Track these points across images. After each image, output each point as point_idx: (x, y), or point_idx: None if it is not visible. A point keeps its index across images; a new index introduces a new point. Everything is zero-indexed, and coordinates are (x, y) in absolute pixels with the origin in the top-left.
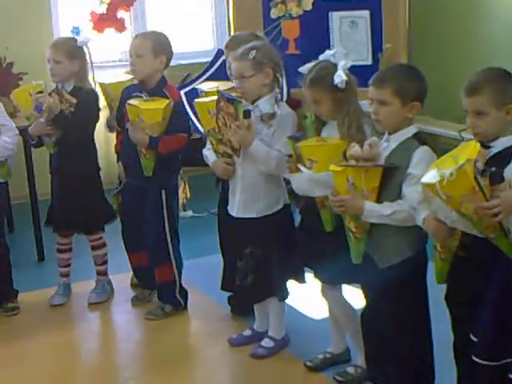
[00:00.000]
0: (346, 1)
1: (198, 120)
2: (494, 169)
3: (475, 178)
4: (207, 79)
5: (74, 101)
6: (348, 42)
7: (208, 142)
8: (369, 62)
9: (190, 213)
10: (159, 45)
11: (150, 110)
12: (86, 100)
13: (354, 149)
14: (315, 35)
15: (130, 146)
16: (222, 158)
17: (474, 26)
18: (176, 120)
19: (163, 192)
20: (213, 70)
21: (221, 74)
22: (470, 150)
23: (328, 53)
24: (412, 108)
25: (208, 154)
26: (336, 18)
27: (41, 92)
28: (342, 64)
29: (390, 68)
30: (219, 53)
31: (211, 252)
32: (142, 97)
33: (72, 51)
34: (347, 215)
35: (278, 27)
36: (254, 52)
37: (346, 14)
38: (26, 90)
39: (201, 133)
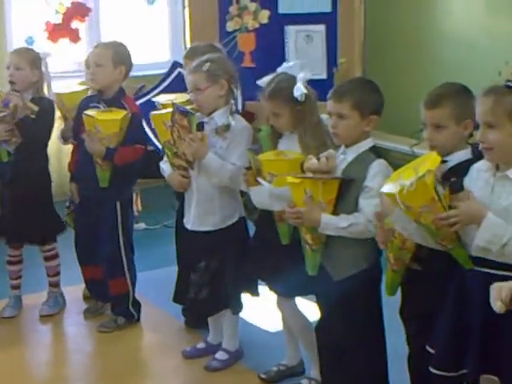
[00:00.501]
0: (302, 15)
1: (153, 132)
2: (453, 179)
3: (435, 188)
4: (162, 91)
5: (36, 108)
6: (303, 56)
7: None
8: (324, 76)
9: (142, 225)
10: (119, 55)
11: (106, 121)
12: (47, 109)
13: (311, 161)
14: (271, 49)
15: (87, 157)
16: (177, 170)
17: (426, 43)
18: (133, 131)
19: (118, 204)
20: (168, 81)
21: (176, 86)
22: (430, 162)
23: (286, 65)
24: (370, 121)
25: (164, 166)
26: (292, 31)
27: (16, 91)
28: (301, 76)
29: (348, 82)
30: (175, 65)
31: (164, 265)
32: (99, 107)
33: (34, 60)
34: (303, 227)
35: (234, 40)
36: (208, 64)
37: (301, 28)
38: None
39: (154, 145)
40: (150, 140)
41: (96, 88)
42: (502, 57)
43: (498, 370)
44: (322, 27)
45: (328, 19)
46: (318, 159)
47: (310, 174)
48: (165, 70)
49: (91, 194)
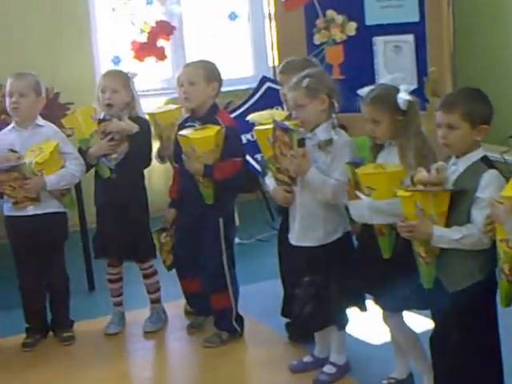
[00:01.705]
0: (390, 25)
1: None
2: None
3: None
4: (252, 106)
5: (137, 127)
6: (392, 67)
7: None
8: (414, 85)
9: (236, 240)
10: (211, 72)
11: (200, 139)
12: (144, 128)
13: (422, 174)
14: (359, 60)
15: (189, 176)
16: (281, 185)
17: None
18: (230, 145)
19: (221, 220)
20: (257, 96)
21: (265, 101)
22: None
23: (387, 78)
24: (480, 131)
25: (268, 181)
26: (380, 42)
27: (105, 120)
28: (405, 87)
29: (456, 92)
30: (263, 80)
31: (261, 279)
32: (195, 126)
33: (127, 82)
34: (416, 240)
35: (322, 53)
36: (307, 80)
37: (389, 39)
38: (87, 112)
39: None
40: None
41: (190, 107)
42: None
43: None
44: (410, 37)
45: (416, 29)
46: (428, 171)
47: (420, 187)
48: (249, 85)
49: (194, 210)
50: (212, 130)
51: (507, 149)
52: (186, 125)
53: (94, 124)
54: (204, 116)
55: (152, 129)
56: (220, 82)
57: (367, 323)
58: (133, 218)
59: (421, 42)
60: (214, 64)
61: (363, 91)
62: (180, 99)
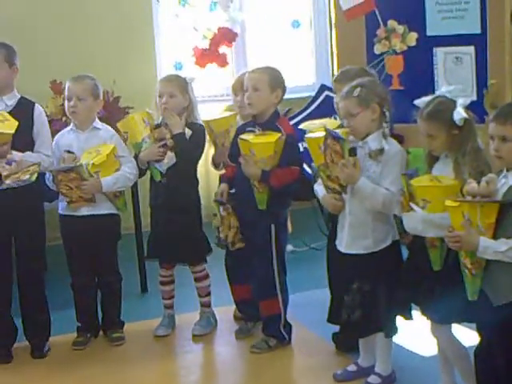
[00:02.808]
0: (451, 36)
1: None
2: None
3: None
4: (310, 114)
5: (190, 132)
6: (452, 78)
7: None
8: (473, 97)
9: (290, 247)
10: (275, 79)
11: (260, 144)
12: (200, 133)
13: (471, 185)
14: (419, 71)
15: (244, 180)
16: (331, 193)
17: None
18: (288, 153)
19: (273, 226)
20: (315, 104)
21: (324, 109)
22: None
23: (445, 89)
24: None
25: (318, 188)
26: (440, 53)
27: (160, 126)
28: (462, 101)
29: (510, 104)
30: (322, 88)
31: (313, 287)
32: (255, 131)
33: (184, 86)
34: (463, 251)
35: (382, 63)
36: (358, 89)
37: (450, 50)
38: (141, 116)
39: None
40: None
41: (253, 113)
42: None
43: None
44: (471, 49)
45: (477, 40)
46: (479, 183)
47: (468, 198)
48: (310, 93)
49: (247, 215)
50: (273, 137)
51: None
52: (247, 129)
53: (147, 129)
54: (265, 122)
55: (207, 135)
56: (284, 89)
57: (416, 334)
58: (184, 221)
59: (481, 54)
60: (279, 71)
61: (421, 101)
62: (235, 105)
